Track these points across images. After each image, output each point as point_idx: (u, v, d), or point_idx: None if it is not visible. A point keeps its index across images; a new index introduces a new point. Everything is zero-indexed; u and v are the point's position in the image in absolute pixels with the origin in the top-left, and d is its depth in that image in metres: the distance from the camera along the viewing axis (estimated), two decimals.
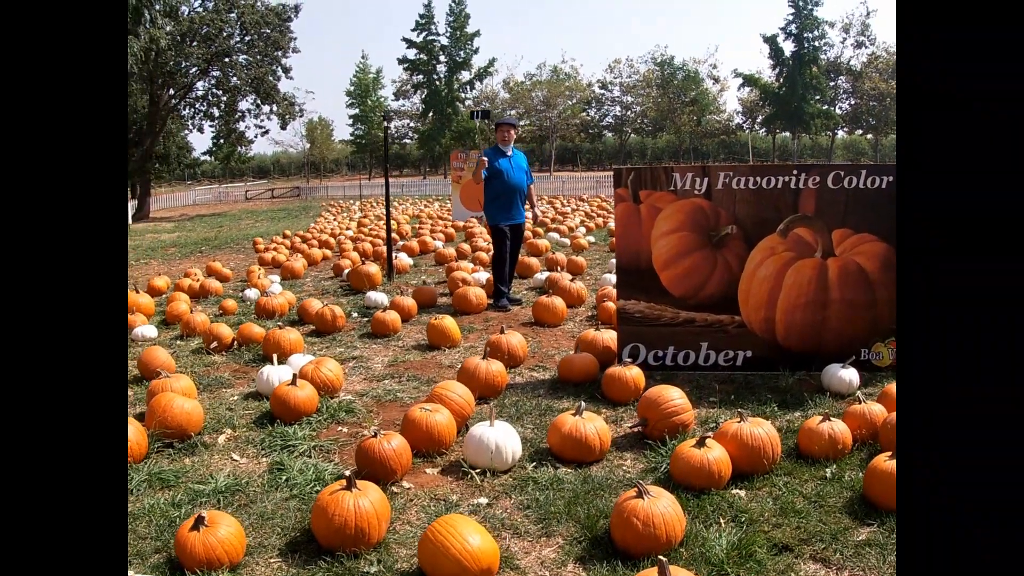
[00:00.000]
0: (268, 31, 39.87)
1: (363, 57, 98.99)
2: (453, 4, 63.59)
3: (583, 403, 4.08)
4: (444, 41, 64.15)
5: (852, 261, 5.23)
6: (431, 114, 64.68)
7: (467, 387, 4.90)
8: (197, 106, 42.29)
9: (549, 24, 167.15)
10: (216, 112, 42.00)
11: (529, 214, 8.57)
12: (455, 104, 63.40)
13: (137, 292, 8.73)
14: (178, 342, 7.32)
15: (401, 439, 3.83)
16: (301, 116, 47.31)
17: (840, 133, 69.36)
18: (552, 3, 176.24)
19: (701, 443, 3.50)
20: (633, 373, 4.80)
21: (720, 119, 70.54)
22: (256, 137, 47.06)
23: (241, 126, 43.05)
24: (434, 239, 14.65)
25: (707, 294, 5.35)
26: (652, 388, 4.31)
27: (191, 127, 43.95)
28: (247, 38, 39.79)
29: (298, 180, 73.12)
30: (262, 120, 43.65)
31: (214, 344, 6.77)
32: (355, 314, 8.01)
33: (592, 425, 3.88)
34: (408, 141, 75.62)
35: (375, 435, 3.79)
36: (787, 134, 66.24)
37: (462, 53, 64.02)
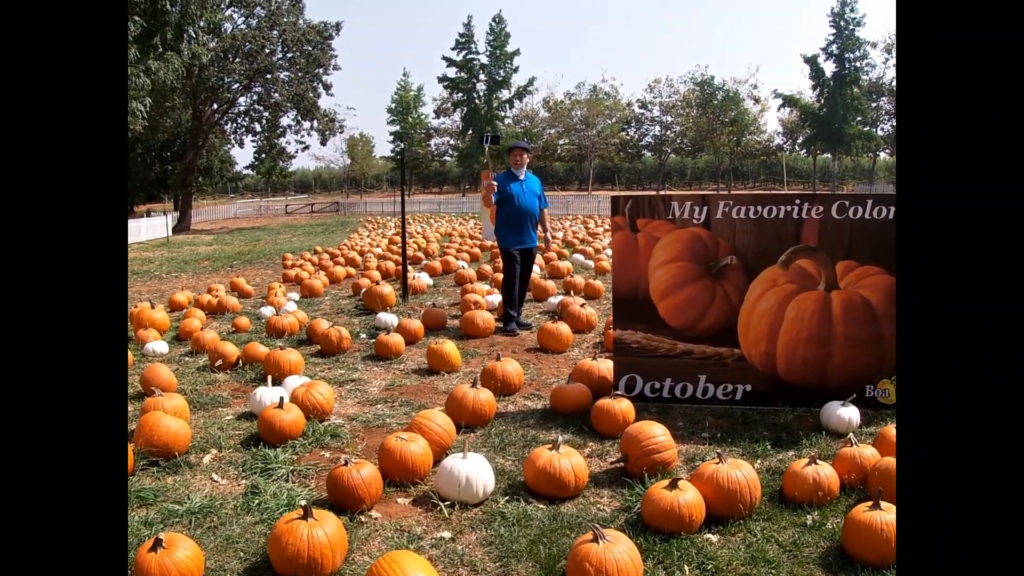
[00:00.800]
0: (309, 48, 40.59)
1: (404, 75, 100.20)
2: (493, 23, 64.17)
3: (560, 437, 3.99)
4: (484, 60, 64.68)
5: (857, 294, 5.06)
6: (471, 132, 65.13)
7: (454, 415, 4.85)
8: (239, 121, 43.16)
9: (589, 43, 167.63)
10: (258, 127, 42.82)
11: (542, 239, 8.48)
12: (494, 122, 63.73)
13: (153, 307, 8.84)
14: (187, 358, 7.38)
15: (372, 468, 3.78)
16: (341, 132, 48.05)
17: (883, 155, 68.10)
18: (592, 23, 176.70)
19: (673, 485, 3.38)
20: (622, 406, 4.69)
21: (760, 140, 69.82)
22: (297, 152, 47.86)
23: (282, 141, 43.81)
24: (459, 259, 14.64)
25: (705, 326, 5.22)
26: (634, 424, 4.20)
27: (233, 141, 44.85)
28: (288, 55, 40.54)
29: (339, 195, 74.03)
30: (302, 136, 44.41)
31: (219, 362, 6.82)
32: (363, 335, 8.01)
33: (568, 461, 3.78)
34: (448, 159, 76.21)
35: (345, 463, 3.75)
36: (828, 155, 65.27)
37: (502, 72, 64.46)
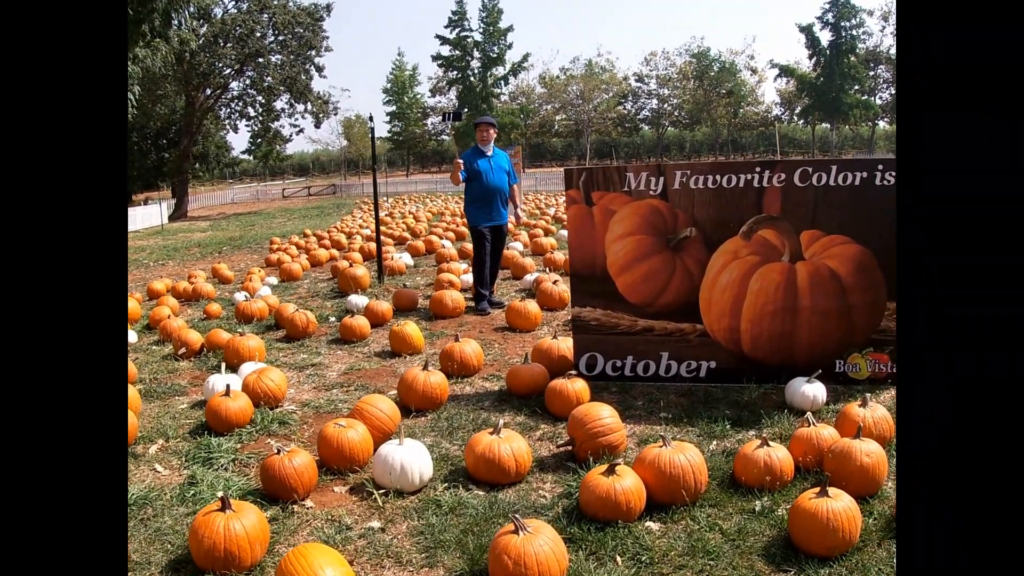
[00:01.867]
0: (300, 30, 40.15)
1: (399, 54, 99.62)
2: (486, 0, 63.31)
3: (502, 420, 3.84)
4: (477, 37, 63.90)
5: (823, 265, 4.88)
6: (466, 110, 64.47)
7: (405, 399, 4.72)
8: (233, 106, 42.84)
9: (584, 17, 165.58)
10: (251, 112, 42.50)
11: (512, 216, 8.28)
12: (490, 100, 63.12)
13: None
14: (154, 347, 7.25)
15: (306, 457, 3.64)
16: (335, 114, 47.65)
17: (882, 124, 67.38)
18: None
19: (611, 470, 3.23)
20: (576, 386, 4.53)
21: (758, 111, 69.17)
22: (292, 136, 47.40)
23: (276, 125, 43.51)
24: (444, 238, 14.44)
25: (666, 301, 5.05)
26: (581, 406, 4.04)
27: (227, 127, 44.58)
28: (280, 38, 40.11)
29: (337, 178, 73.66)
30: (296, 119, 44.06)
31: (182, 350, 6.68)
32: (332, 318, 7.85)
33: (508, 446, 3.63)
34: (445, 137, 75.68)
35: (278, 452, 3.61)
36: (826, 125, 64.62)
37: (496, 49, 63.65)
